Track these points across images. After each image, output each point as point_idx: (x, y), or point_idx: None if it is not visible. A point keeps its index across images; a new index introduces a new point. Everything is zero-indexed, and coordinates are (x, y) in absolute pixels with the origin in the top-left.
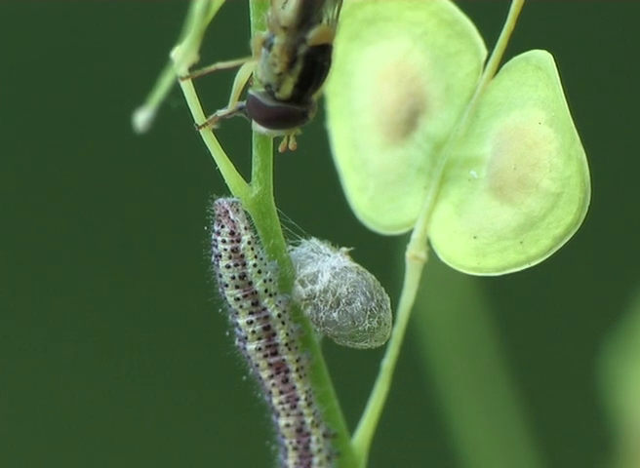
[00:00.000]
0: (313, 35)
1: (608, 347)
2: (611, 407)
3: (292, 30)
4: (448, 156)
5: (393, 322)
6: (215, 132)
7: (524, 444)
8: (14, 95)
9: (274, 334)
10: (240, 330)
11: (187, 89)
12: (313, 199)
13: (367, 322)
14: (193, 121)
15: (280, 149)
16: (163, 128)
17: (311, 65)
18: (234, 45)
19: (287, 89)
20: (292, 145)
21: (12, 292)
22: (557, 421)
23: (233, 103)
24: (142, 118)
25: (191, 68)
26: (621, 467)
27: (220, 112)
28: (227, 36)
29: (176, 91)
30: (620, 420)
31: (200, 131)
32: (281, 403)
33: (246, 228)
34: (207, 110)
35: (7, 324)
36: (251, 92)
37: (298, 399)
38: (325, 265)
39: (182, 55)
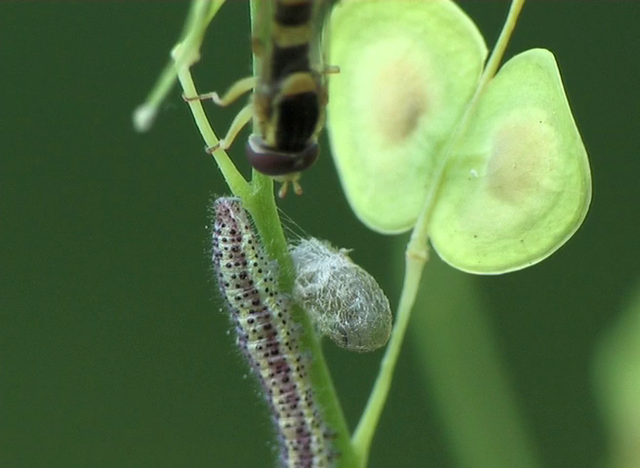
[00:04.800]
0: (286, 85)
1: (605, 347)
2: (607, 407)
3: (265, 79)
4: (448, 155)
5: (393, 322)
6: (215, 131)
7: (521, 444)
8: (14, 94)
9: (275, 334)
10: (241, 329)
11: (188, 88)
12: (313, 198)
13: (366, 324)
14: (194, 121)
15: (280, 195)
16: (163, 127)
17: (289, 114)
18: (235, 44)
19: (270, 137)
20: (297, 190)
21: (12, 293)
22: (554, 421)
23: (228, 142)
24: (143, 117)
25: (192, 67)
26: None
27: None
28: (228, 35)
29: (176, 90)
30: (617, 421)
31: (200, 129)
32: (281, 402)
33: (247, 227)
34: (208, 110)
35: (10, 324)
36: (251, 136)
37: (298, 398)
38: (325, 265)
39: (183, 53)
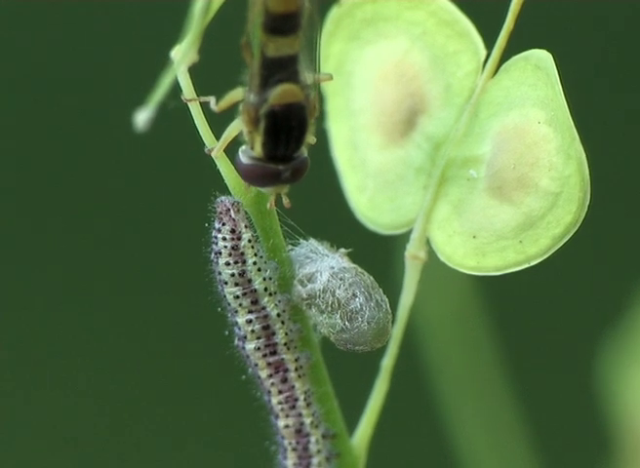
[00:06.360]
0: (273, 95)
1: (607, 347)
2: (610, 407)
3: (253, 89)
4: (447, 156)
5: (392, 322)
6: (215, 133)
7: (522, 443)
8: (13, 94)
9: (273, 334)
10: (239, 329)
11: (187, 89)
12: (312, 198)
13: (366, 323)
14: (193, 122)
15: (267, 207)
16: (163, 128)
17: (275, 125)
18: (234, 44)
19: (257, 147)
20: (285, 203)
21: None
22: (555, 421)
23: (218, 150)
24: (143, 118)
25: (191, 68)
26: None
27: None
28: (227, 36)
29: (175, 91)
30: (619, 421)
31: (200, 131)
32: (280, 403)
33: (246, 227)
34: (207, 111)
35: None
36: (241, 148)
37: (297, 399)
38: (324, 265)
39: (182, 54)
